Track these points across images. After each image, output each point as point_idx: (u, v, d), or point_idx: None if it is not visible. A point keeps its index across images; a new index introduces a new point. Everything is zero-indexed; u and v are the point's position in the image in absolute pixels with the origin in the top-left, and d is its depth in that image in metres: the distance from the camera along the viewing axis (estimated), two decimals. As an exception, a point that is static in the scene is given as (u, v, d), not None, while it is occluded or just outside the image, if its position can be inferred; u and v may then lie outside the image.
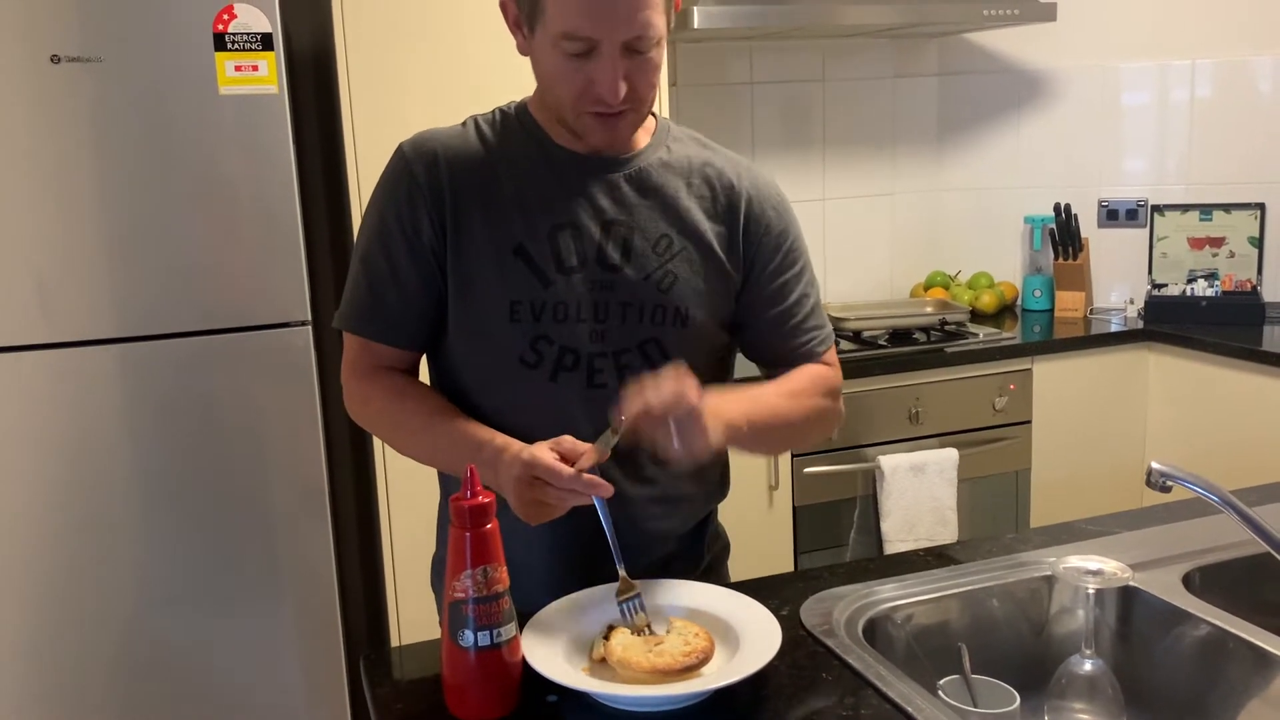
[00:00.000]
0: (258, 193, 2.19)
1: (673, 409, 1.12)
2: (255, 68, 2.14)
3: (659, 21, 1.20)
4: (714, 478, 1.44)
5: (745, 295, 1.37)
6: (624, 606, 1.19)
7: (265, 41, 2.14)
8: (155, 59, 2.10)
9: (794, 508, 2.70)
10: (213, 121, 2.14)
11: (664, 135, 1.38)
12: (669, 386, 1.12)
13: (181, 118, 2.13)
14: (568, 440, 1.17)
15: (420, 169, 1.30)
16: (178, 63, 2.11)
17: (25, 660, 2.21)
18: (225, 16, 2.11)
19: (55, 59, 2.05)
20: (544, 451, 1.15)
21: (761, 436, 1.29)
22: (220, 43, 2.12)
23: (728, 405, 1.20)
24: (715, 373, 1.40)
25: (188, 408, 2.22)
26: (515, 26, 1.27)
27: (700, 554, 1.44)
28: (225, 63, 2.12)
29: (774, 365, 1.42)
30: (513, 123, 1.35)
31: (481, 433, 1.26)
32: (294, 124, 2.22)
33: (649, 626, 1.17)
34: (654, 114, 1.40)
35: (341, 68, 2.31)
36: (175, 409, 2.22)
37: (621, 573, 1.21)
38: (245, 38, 2.12)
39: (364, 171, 2.33)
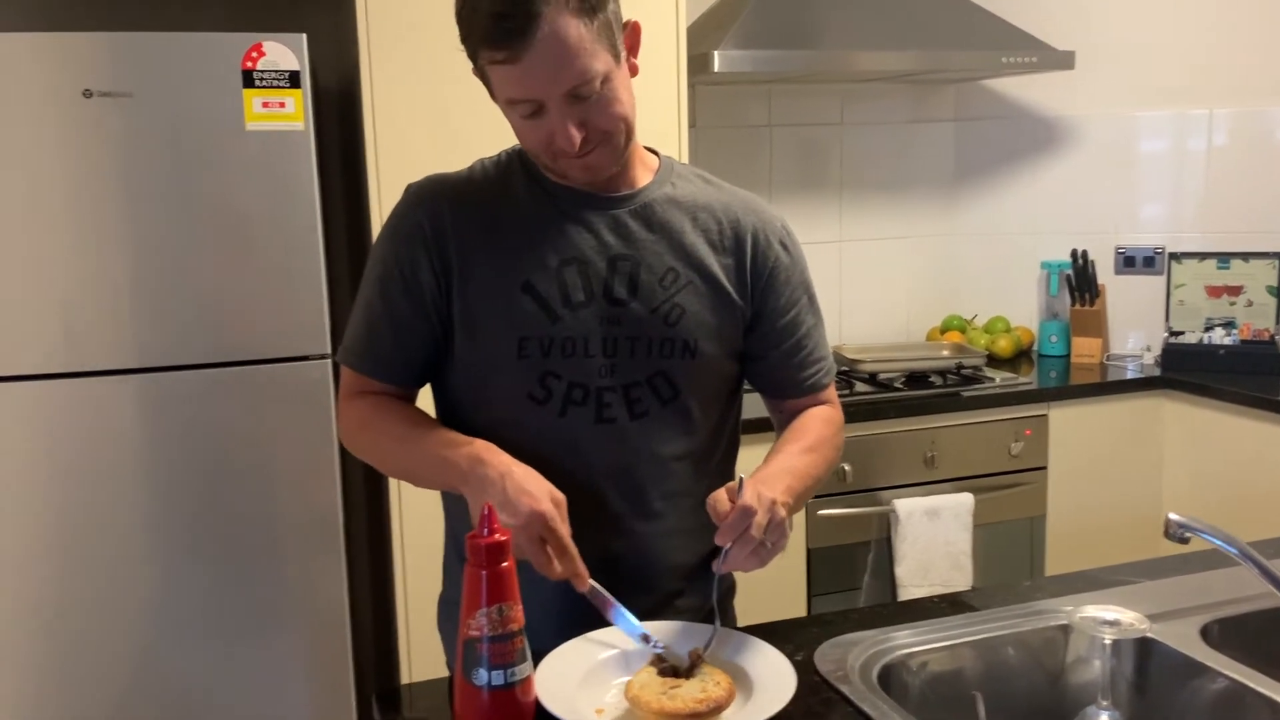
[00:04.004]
0: (282, 227, 2.22)
1: (766, 531, 1.17)
2: (282, 104, 2.17)
3: (596, 64, 1.19)
4: None
5: (756, 330, 1.39)
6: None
7: (293, 79, 2.17)
8: (185, 95, 2.13)
9: (807, 550, 2.69)
10: (239, 156, 2.18)
11: (668, 172, 1.40)
12: (737, 519, 1.15)
13: (209, 152, 2.16)
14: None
15: (423, 214, 1.32)
16: (207, 98, 2.14)
17: (36, 685, 2.21)
18: (254, 54, 2.14)
19: (88, 93, 2.09)
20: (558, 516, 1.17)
21: (797, 505, 1.30)
22: (249, 79, 2.15)
23: (772, 487, 1.22)
24: (725, 403, 1.42)
25: (206, 438, 2.24)
26: (487, 89, 1.30)
27: (707, 592, 1.43)
28: (253, 99, 2.16)
29: (779, 396, 1.45)
30: (515, 164, 1.37)
31: (460, 435, 1.28)
32: (318, 160, 2.25)
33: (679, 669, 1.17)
34: (656, 152, 1.42)
35: (366, 106, 2.34)
36: (194, 439, 2.23)
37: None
38: (273, 75, 2.16)
39: (386, 208, 2.33)
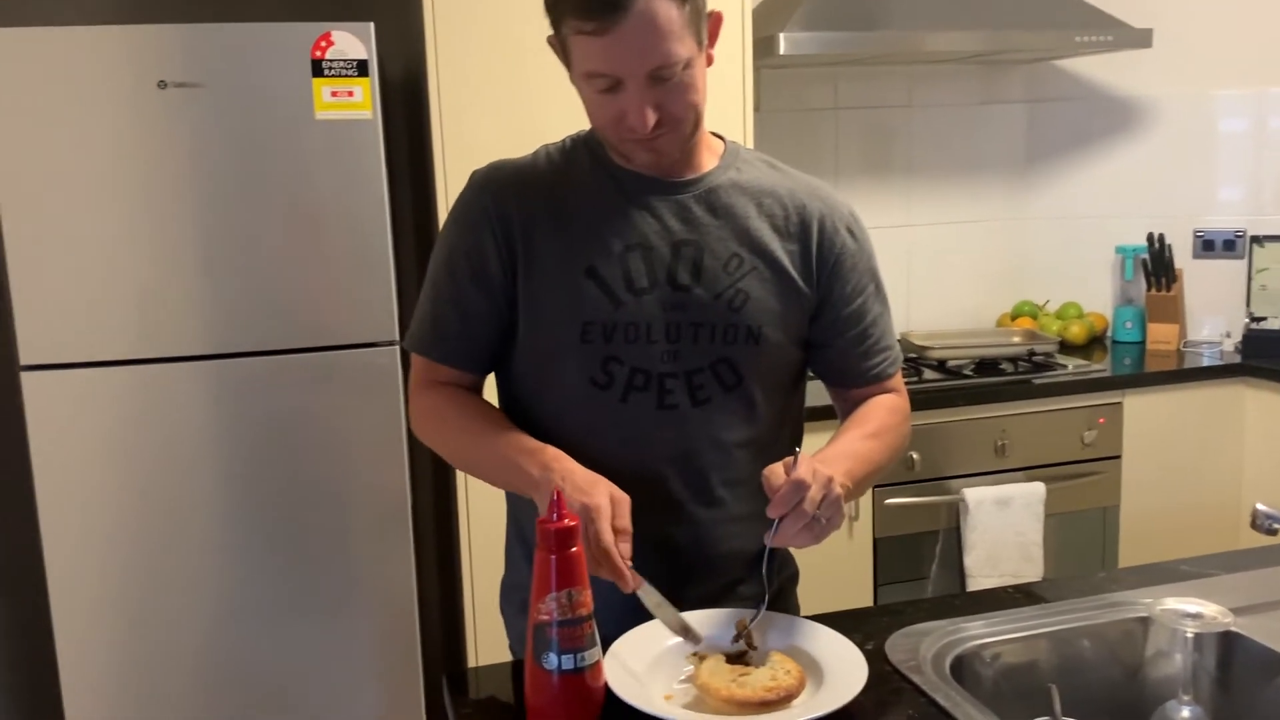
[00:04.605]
0: (350, 215, 2.24)
1: (820, 506, 1.14)
2: (350, 93, 2.19)
3: (681, 48, 1.19)
4: None
5: (822, 317, 1.37)
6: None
7: (361, 68, 2.19)
8: (256, 85, 2.16)
9: (874, 539, 2.66)
10: (309, 145, 2.20)
11: (733, 157, 1.39)
12: (790, 492, 1.13)
13: (279, 142, 2.19)
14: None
15: (489, 199, 1.33)
16: (277, 88, 2.17)
17: (108, 668, 2.26)
18: (323, 43, 2.17)
19: (162, 84, 2.12)
20: (612, 511, 1.14)
21: (858, 490, 1.29)
22: (318, 69, 2.17)
23: (830, 466, 1.19)
24: (789, 390, 1.41)
25: (276, 423, 2.27)
26: (562, 58, 1.29)
27: (770, 578, 1.42)
28: (322, 88, 2.18)
29: (843, 385, 1.43)
30: (581, 149, 1.37)
31: (531, 440, 1.27)
32: (386, 149, 2.27)
33: (744, 656, 1.16)
34: (721, 137, 1.41)
35: (433, 94, 2.35)
36: (265, 425, 2.27)
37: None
38: (342, 64, 2.18)
39: (452, 196, 2.34)
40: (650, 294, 1.29)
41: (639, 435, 1.30)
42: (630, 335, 1.29)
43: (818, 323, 1.38)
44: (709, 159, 1.37)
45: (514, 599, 1.46)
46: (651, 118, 1.21)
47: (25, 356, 2.16)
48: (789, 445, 1.43)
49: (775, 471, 1.16)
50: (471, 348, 1.36)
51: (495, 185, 1.34)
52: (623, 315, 1.29)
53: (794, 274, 1.34)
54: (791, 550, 1.48)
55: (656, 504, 1.31)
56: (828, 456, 1.24)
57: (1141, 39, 2.86)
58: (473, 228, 1.33)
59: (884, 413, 1.38)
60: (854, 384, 1.42)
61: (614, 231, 1.31)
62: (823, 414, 1.50)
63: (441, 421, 1.36)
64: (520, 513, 1.43)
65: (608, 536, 1.12)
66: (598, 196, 1.33)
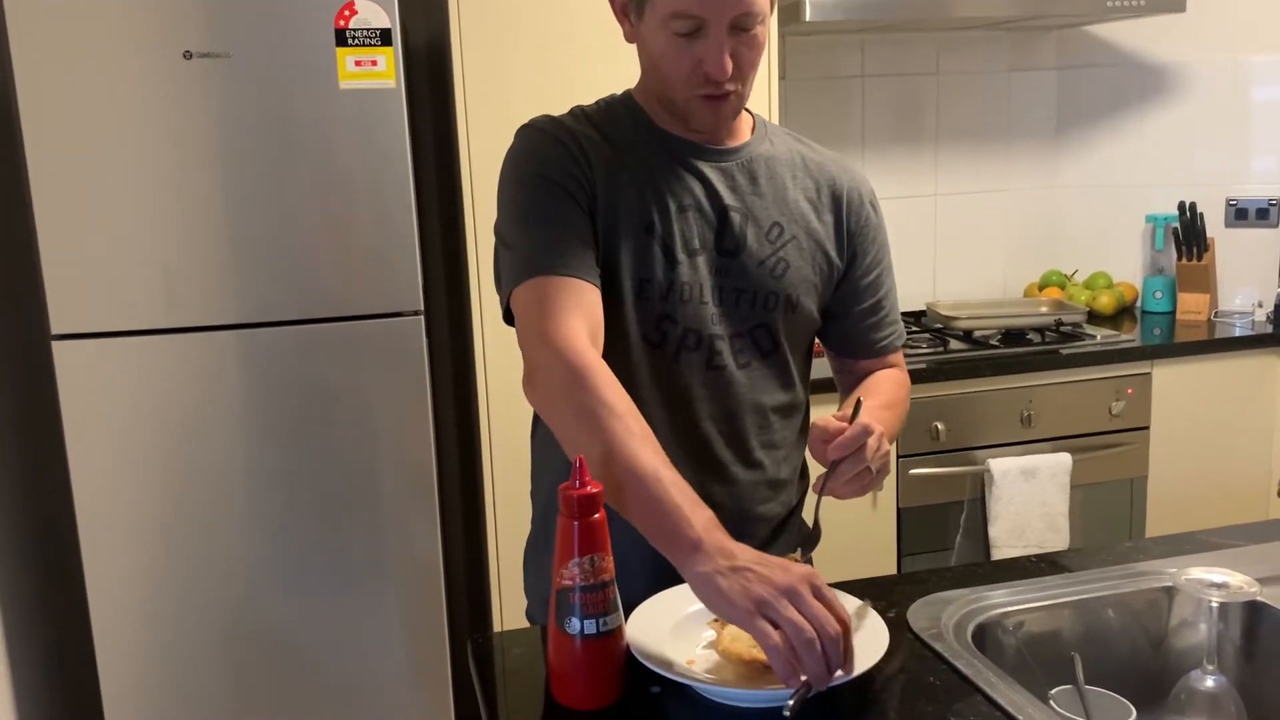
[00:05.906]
0: (375, 185, 2.25)
1: (875, 458, 1.17)
2: (374, 62, 2.19)
3: (763, 1, 1.23)
4: (800, 461, 1.47)
5: (842, 286, 1.41)
6: None
7: (384, 37, 2.19)
8: (280, 54, 2.16)
9: (898, 509, 2.65)
10: (333, 115, 2.20)
11: (763, 129, 1.41)
12: (856, 434, 1.15)
13: (303, 111, 2.19)
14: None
15: (565, 136, 1.30)
16: (301, 58, 2.17)
17: (140, 638, 2.30)
18: (347, 12, 2.16)
19: (187, 55, 2.13)
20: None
21: None
22: (341, 38, 2.17)
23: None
24: (805, 357, 1.44)
25: (302, 393, 2.29)
26: (621, 14, 1.30)
27: (793, 544, 1.45)
28: (346, 58, 2.18)
29: (851, 355, 1.47)
30: (619, 110, 1.37)
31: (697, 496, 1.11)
32: (410, 118, 2.27)
33: None
34: (749, 110, 1.42)
35: (457, 63, 2.35)
36: (290, 394, 2.29)
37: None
38: (365, 33, 2.18)
39: (477, 166, 2.37)
40: (702, 255, 1.31)
41: (689, 394, 1.32)
42: (684, 295, 1.30)
43: (837, 292, 1.42)
44: (744, 130, 1.39)
45: (542, 558, 1.49)
46: (730, 65, 1.23)
47: (56, 326, 2.18)
48: (809, 413, 1.45)
49: (829, 420, 1.19)
50: (591, 261, 1.25)
51: (561, 128, 1.31)
52: (679, 275, 1.30)
53: (828, 246, 1.38)
54: (822, 522, 1.49)
55: (703, 464, 1.33)
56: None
57: (1175, 3, 2.81)
58: (557, 159, 1.27)
59: (891, 386, 1.42)
60: (862, 355, 1.46)
61: (670, 191, 1.31)
62: (824, 387, 1.52)
63: (599, 389, 1.14)
64: (543, 470, 1.46)
65: (832, 624, 0.97)
66: (648, 155, 1.33)
